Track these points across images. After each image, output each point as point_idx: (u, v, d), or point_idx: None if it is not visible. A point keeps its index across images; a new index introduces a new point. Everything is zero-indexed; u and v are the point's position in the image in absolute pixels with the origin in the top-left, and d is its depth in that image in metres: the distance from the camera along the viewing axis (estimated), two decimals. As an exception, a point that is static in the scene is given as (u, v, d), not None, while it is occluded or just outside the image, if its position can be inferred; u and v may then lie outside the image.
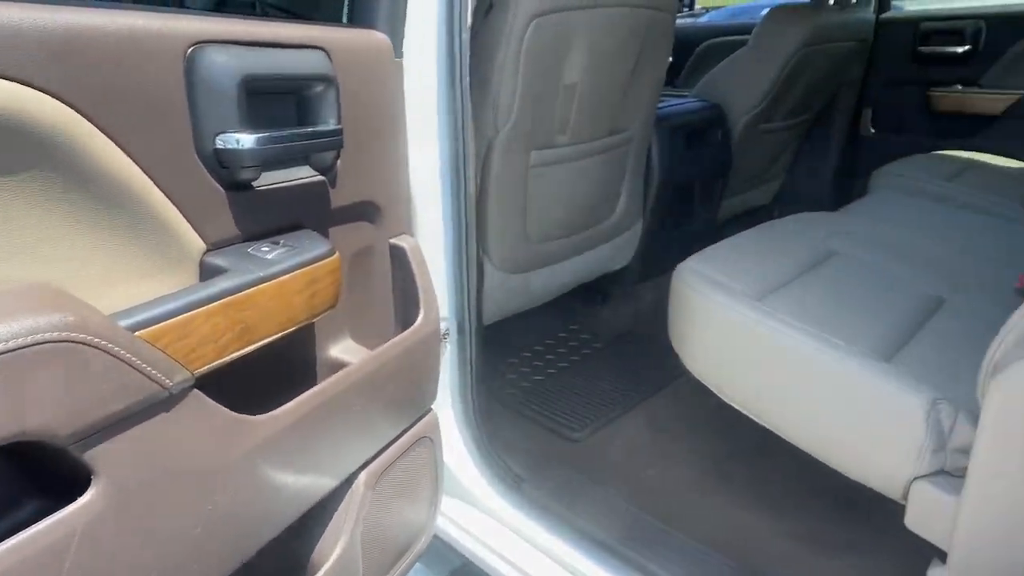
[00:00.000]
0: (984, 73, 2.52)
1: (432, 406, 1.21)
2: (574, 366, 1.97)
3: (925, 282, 1.52)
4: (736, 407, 1.37)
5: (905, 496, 1.15)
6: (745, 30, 2.38)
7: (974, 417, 1.05)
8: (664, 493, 1.52)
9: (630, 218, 2.03)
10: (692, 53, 3.44)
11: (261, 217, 0.83)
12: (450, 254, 1.33)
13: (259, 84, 0.78)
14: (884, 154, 2.50)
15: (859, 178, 2.59)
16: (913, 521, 1.15)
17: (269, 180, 0.83)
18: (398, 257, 1.11)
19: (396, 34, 1.06)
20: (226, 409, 0.73)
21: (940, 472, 1.12)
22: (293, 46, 0.84)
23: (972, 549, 1.07)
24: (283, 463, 0.83)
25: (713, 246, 1.54)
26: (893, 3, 2.77)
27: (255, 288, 0.74)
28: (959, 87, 2.58)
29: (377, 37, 1.00)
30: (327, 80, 0.87)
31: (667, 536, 1.37)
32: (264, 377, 0.94)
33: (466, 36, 1.18)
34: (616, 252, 2.04)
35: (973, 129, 2.53)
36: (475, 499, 1.41)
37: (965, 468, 1.06)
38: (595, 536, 1.32)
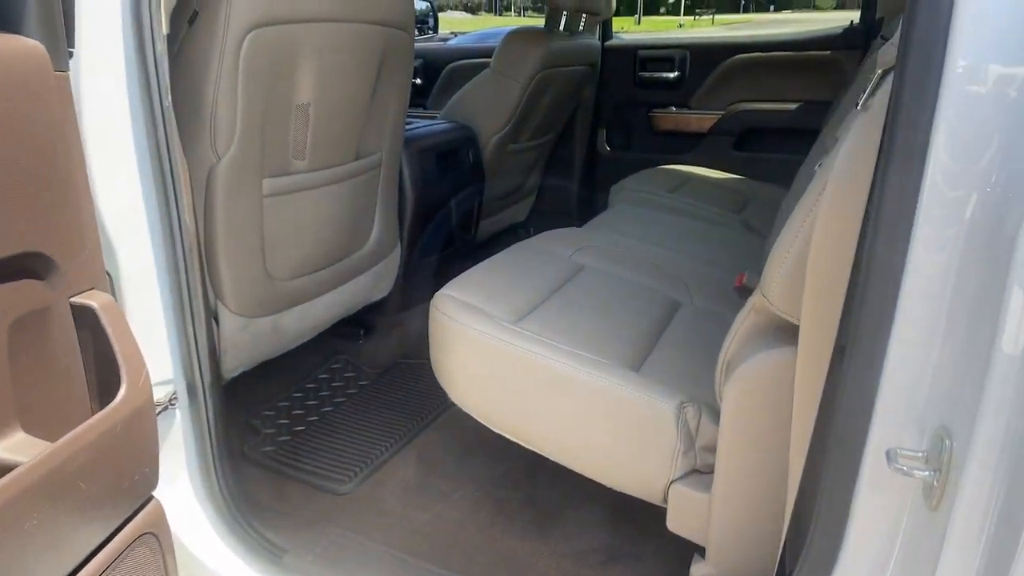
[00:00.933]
0: (692, 96, 2.87)
1: (155, 493, 1.00)
2: (338, 409, 1.82)
3: (662, 288, 1.63)
4: (503, 435, 1.34)
5: (665, 499, 1.20)
6: (490, 53, 2.44)
7: (717, 415, 1.12)
8: (440, 535, 1.44)
9: (387, 245, 1.93)
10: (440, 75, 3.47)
11: None
12: (168, 305, 1.13)
13: None
14: (619, 169, 2.72)
15: (601, 192, 2.78)
16: (674, 523, 1.19)
17: None
18: (85, 319, 0.89)
19: (56, 41, 0.85)
20: None
21: (693, 472, 1.18)
22: None
23: (725, 540, 1.14)
24: None
25: (468, 271, 1.50)
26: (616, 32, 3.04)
27: None
28: (673, 108, 2.91)
29: (25, 45, 0.79)
30: (-62, 99, 0.65)
31: (448, 581, 1.29)
32: None
33: (161, 46, 1.01)
34: (375, 282, 1.93)
35: (689, 145, 2.87)
36: (228, 587, 1.21)
37: (713, 465, 1.13)
38: (370, 600, 1.20)
